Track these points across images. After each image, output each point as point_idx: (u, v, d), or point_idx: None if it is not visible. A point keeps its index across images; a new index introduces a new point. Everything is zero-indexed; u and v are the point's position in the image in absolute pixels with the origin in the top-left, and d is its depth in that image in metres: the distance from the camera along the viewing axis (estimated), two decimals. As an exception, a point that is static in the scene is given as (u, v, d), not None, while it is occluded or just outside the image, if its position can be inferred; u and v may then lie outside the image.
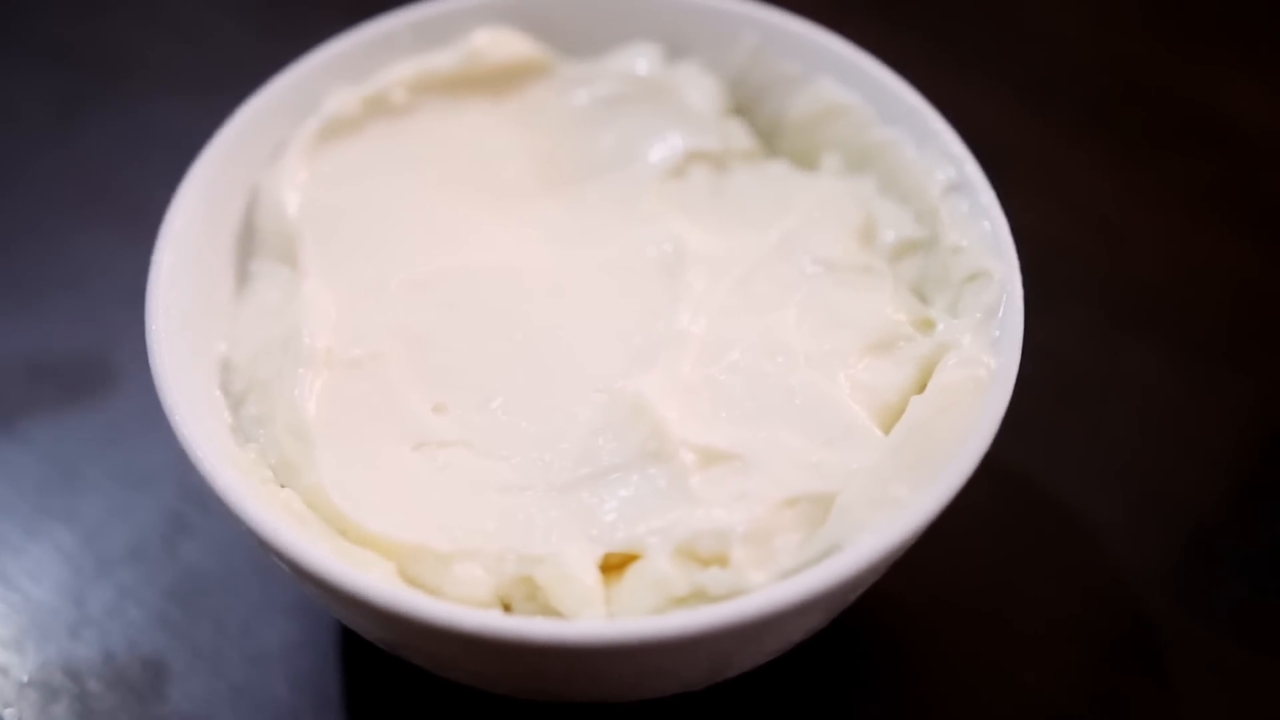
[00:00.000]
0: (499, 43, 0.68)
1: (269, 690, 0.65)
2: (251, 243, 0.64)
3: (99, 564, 0.69)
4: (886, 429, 0.57)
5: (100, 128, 0.87)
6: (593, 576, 0.53)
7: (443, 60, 0.67)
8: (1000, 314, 0.57)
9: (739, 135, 0.68)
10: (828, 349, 0.59)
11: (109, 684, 0.65)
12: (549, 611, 0.53)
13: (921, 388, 0.58)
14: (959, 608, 0.69)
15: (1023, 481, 0.73)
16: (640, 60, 0.68)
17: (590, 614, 0.53)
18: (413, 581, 0.54)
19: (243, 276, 0.63)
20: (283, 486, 0.57)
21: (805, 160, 0.68)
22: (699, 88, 0.68)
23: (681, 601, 0.53)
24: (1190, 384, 0.77)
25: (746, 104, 0.69)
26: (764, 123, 0.69)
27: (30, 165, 0.85)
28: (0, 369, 0.76)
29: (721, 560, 0.53)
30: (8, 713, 0.64)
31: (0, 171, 0.85)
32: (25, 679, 0.65)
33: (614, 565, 0.55)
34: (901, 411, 0.57)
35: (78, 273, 0.80)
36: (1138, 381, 0.77)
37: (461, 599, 0.53)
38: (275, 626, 0.67)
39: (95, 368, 0.75)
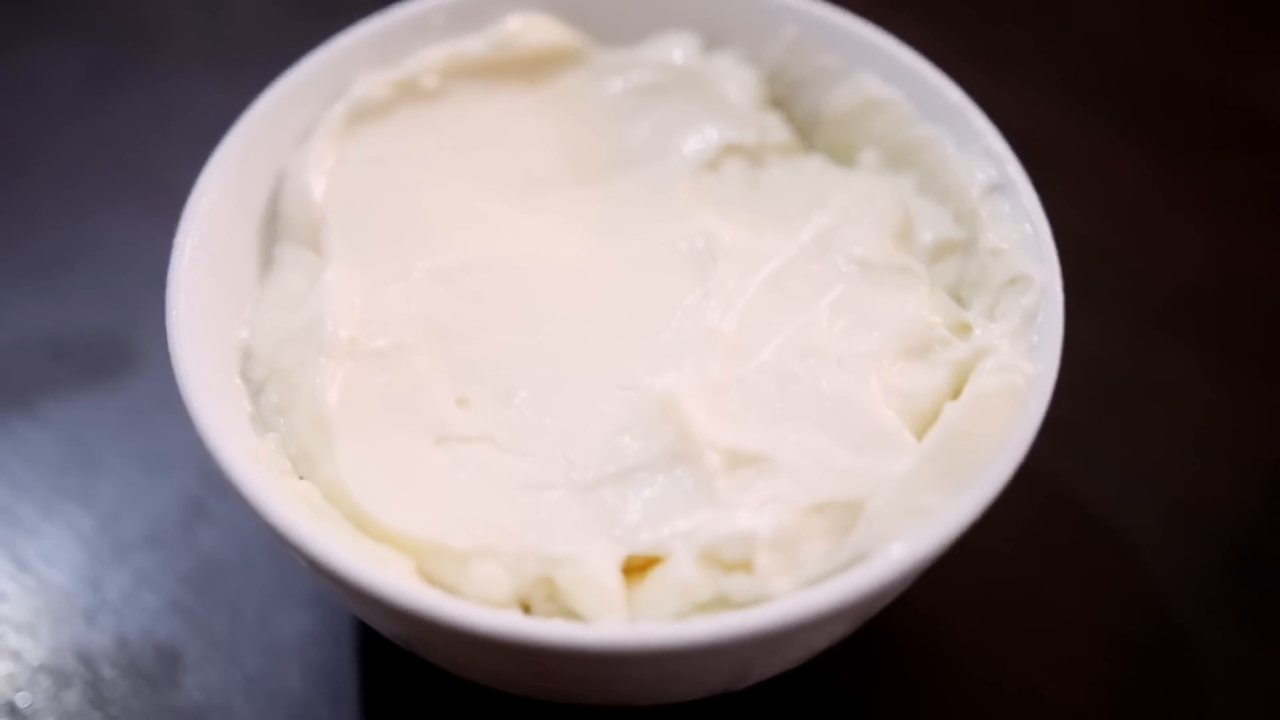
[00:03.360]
0: (533, 28, 0.67)
1: (283, 681, 0.64)
2: (276, 227, 0.62)
3: (116, 548, 0.68)
4: (919, 435, 0.56)
5: (128, 102, 0.86)
6: (614, 579, 0.52)
7: (475, 45, 0.66)
8: (1039, 320, 0.56)
9: (775, 129, 0.66)
10: (861, 351, 0.58)
11: (122, 671, 0.64)
12: (569, 613, 0.52)
13: (956, 393, 0.56)
14: (986, 615, 0.68)
15: (1054, 486, 0.72)
16: (676, 49, 0.67)
17: (611, 618, 0.51)
18: (430, 579, 0.53)
19: (266, 261, 0.62)
20: (301, 478, 0.56)
21: (843, 156, 0.66)
22: (736, 79, 0.66)
23: (704, 607, 0.52)
24: (1230, 392, 0.76)
25: (784, 97, 0.68)
26: (801, 117, 0.68)
27: (56, 138, 0.84)
28: (21, 347, 0.75)
29: (746, 566, 0.52)
30: (19, 697, 0.63)
31: (27, 145, 0.84)
32: (38, 664, 0.64)
33: (636, 567, 0.53)
34: (935, 417, 0.56)
35: (102, 250, 0.79)
36: (1176, 388, 0.76)
37: (480, 598, 0.52)
38: (292, 617, 0.66)
39: (117, 348, 0.75)
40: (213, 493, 0.69)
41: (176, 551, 0.68)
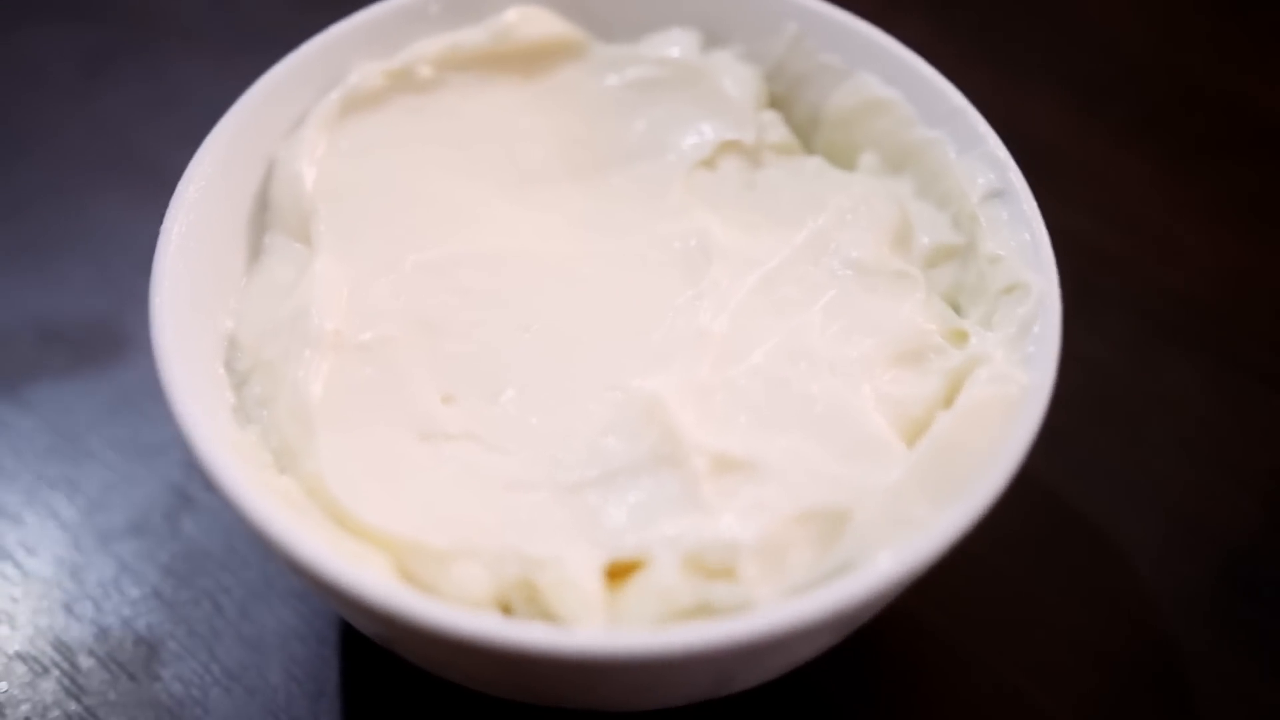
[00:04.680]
0: (531, 20, 0.66)
1: (263, 676, 0.63)
2: (266, 216, 0.62)
3: (98, 537, 0.67)
4: (911, 443, 0.55)
5: (126, 87, 0.86)
6: (595, 583, 0.51)
7: (472, 36, 0.65)
8: (1036, 329, 0.55)
9: (774, 128, 0.65)
10: (853, 356, 0.57)
11: (100, 661, 0.64)
12: (549, 616, 0.51)
13: (949, 402, 0.56)
14: (978, 626, 0.67)
15: (1051, 496, 0.71)
16: (676, 46, 0.66)
17: (591, 622, 0.51)
18: (410, 578, 0.52)
19: (255, 251, 0.61)
20: (282, 472, 0.55)
21: (841, 157, 0.65)
22: (735, 76, 0.65)
23: (686, 614, 0.51)
24: (1232, 404, 0.75)
25: (783, 96, 0.67)
26: (801, 116, 0.67)
27: (53, 122, 0.84)
28: (9, 332, 0.74)
29: (729, 573, 0.51)
30: (-5, 685, 0.63)
31: (23, 128, 0.83)
32: (13, 651, 0.64)
33: (619, 571, 0.52)
34: (927, 426, 0.55)
35: (94, 236, 0.78)
36: (1177, 399, 0.75)
37: (459, 598, 0.51)
38: (274, 611, 0.65)
39: (106, 335, 0.74)
40: (198, 482, 0.69)
41: (160, 541, 0.67)
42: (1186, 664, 0.66)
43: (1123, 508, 0.71)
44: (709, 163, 0.64)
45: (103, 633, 0.64)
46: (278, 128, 0.62)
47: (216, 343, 0.58)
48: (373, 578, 0.49)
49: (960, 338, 0.58)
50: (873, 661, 0.64)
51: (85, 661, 0.64)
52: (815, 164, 0.65)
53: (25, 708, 0.62)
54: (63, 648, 0.64)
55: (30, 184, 0.81)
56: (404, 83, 0.64)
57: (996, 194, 0.59)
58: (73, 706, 0.62)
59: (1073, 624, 0.67)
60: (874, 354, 0.57)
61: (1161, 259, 0.80)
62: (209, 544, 0.67)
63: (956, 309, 0.60)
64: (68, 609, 0.65)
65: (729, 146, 0.64)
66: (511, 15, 0.66)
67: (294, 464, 0.55)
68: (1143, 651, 0.66)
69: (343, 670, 0.64)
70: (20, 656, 0.64)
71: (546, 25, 0.66)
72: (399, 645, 0.54)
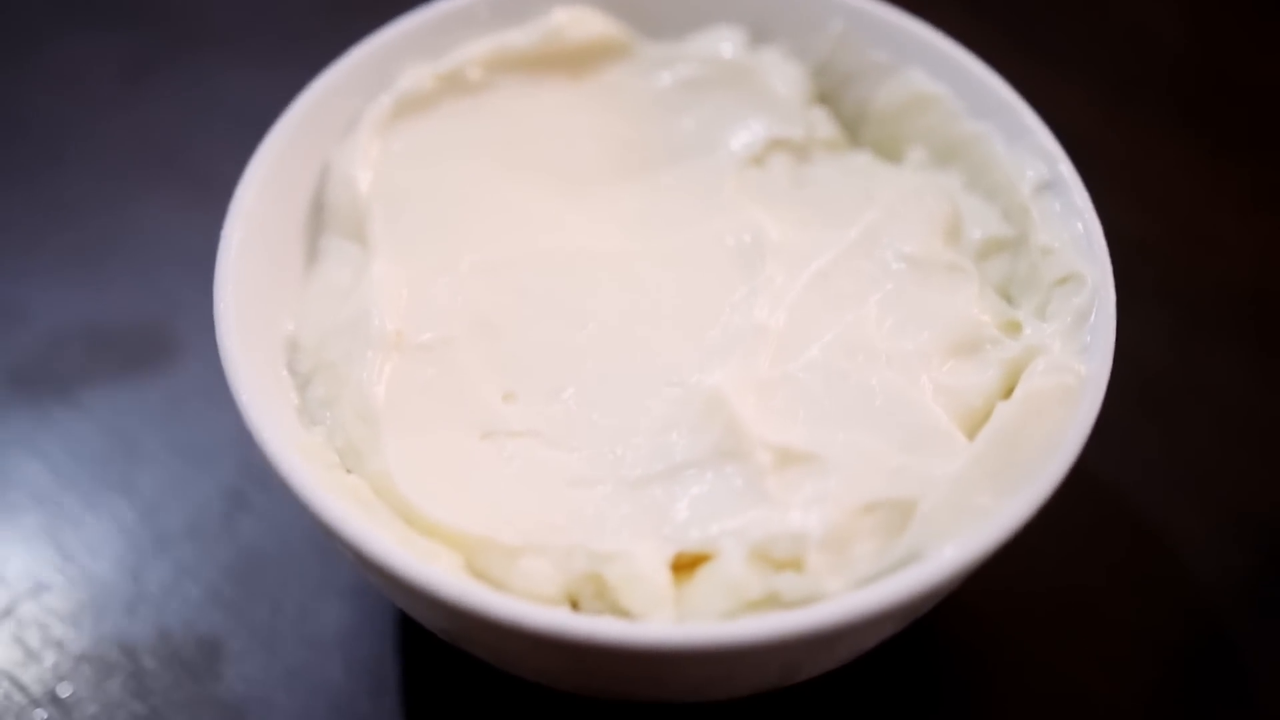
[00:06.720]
0: (579, 21, 0.66)
1: (325, 674, 0.64)
2: (321, 219, 0.62)
3: (157, 539, 0.68)
4: (970, 434, 0.55)
5: (168, 94, 0.86)
6: (663, 577, 0.52)
7: (520, 38, 0.66)
8: (1092, 319, 0.56)
9: (822, 124, 0.66)
10: (910, 349, 0.57)
11: (164, 661, 0.64)
12: (618, 610, 0.52)
13: (1007, 393, 0.56)
14: (1033, 615, 0.67)
15: (1099, 487, 0.71)
16: (723, 44, 0.67)
17: (660, 615, 0.51)
18: (479, 574, 0.53)
19: (312, 253, 0.62)
20: (349, 472, 0.55)
21: (890, 152, 0.66)
22: (782, 74, 0.66)
23: (754, 606, 0.51)
24: (1272, 392, 0.75)
25: (831, 92, 0.67)
26: (848, 112, 0.67)
27: (96, 129, 0.84)
28: (61, 337, 0.75)
29: (797, 565, 0.52)
30: (61, 686, 0.63)
31: (66, 135, 0.84)
32: (80, 654, 0.64)
33: (685, 565, 0.53)
34: (986, 416, 0.55)
35: (141, 241, 0.79)
36: (1219, 388, 0.75)
37: (528, 594, 0.52)
38: (333, 609, 0.66)
39: (156, 338, 0.74)
40: (253, 484, 0.69)
41: (217, 542, 0.68)
42: (1238, 647, 0.67)
43: (1169, 496, 0.71)
44: (758, 160, 0.65)
45: (165, 634, 0.65)
46: (331, 131, 0.63)
47: (277, 345, 0.58)
48: (445, 574, 0.49)
49: (1014, 328, 0.58)
50: (933, 651, 0.65)
51: (149, 662, 0.64)
52: (864, 159, 0.65)
53: (93, 708, 0.63)
54: (127, 649, 0.65)
55: (73, 191, 0.81)
56: (454, 85, 0.65)
57: (1047, 185, 0.60)
58: (139, 707, 0.63)
59: (1125, 611, 0.68)
60: (930, 346, 0.57)
61: (1200, 249, 0.80)
62: (265, 544, 0.68)
63: (1009, 301, 0.60)
64: (130, 611, 0.66)
65: (778, 144, 0.65)
66: (560, 16, 0.66)
67: (360, 464, 0.55)
68: (1194, 636, 0.67)
69: (403, 666, 0.64)
70: (86, 658, 0.64)
71: (594, 26, 0.66)
72: (468, 641, 0.55)
